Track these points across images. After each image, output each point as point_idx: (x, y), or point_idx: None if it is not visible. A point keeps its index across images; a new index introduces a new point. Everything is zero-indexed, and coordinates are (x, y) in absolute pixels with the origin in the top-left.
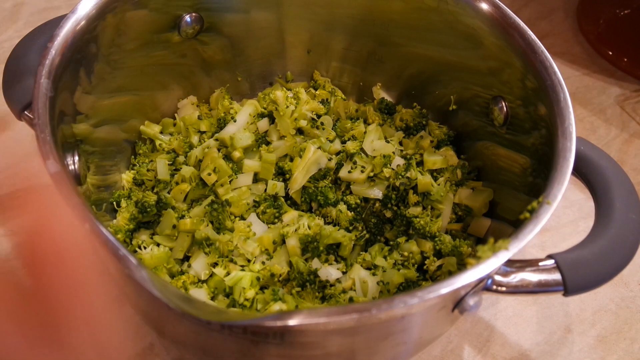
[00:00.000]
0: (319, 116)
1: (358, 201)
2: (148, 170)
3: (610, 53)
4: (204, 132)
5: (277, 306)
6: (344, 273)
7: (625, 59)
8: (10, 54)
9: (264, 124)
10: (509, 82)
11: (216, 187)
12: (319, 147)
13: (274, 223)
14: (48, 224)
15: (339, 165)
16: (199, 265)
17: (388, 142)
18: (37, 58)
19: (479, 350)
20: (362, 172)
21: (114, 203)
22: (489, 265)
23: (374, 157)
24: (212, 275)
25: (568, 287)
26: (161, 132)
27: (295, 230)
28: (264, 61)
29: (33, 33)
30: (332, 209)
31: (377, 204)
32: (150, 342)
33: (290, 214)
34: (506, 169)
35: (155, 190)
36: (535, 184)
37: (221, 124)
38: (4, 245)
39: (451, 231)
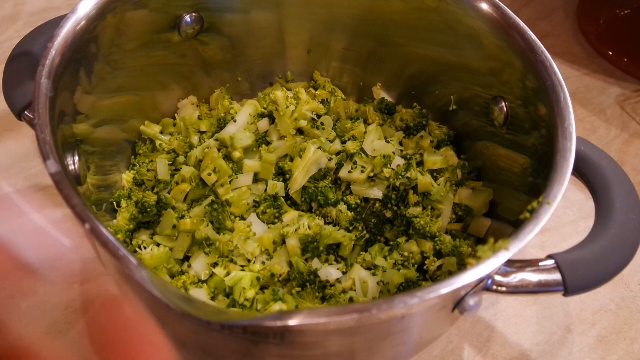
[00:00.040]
0: (319, 116)
1: (358, 201)
2: (148, 170)
3: (610, 53)
4: (204, 132)
5: (277, 306)
6: (344, 273)
7: (625, 59)
8: (10, 54)
9: (264, 124)
10: (509, 82)
11: (216, 187)
12: (319, 147)
13: (274, 223)
14: None
15: (339, 165)
16: (199, 265)
17: (388, 142)
18: (37, 58)
19: (479, 350)
20: (362, 172)
21: (114, 203)
22: (489, 265)
23: (374, 157)
24: (212, 275)
25: (568, 287)
26: (161, 132)
27: (295, 230)
28: (264, 61)
29: (33, 33)
30: (332, 209)
31: (377, 204)
32: None
33: (290, 214)
34: (506, 169)
35: (155, 190)
36: (535, 184)
37: (221, 124)
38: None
39: (451, 231)
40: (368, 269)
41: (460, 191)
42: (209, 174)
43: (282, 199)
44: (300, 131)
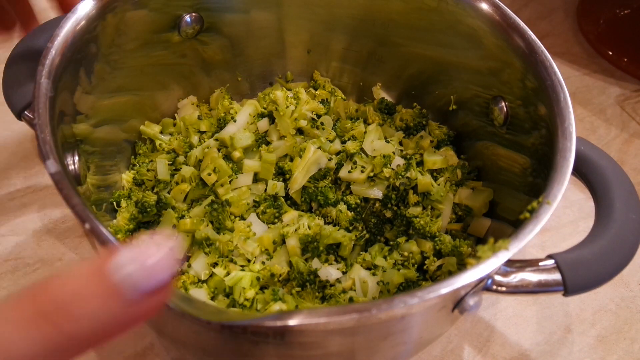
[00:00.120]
0: (319, 116)
1: (358, 201)
2: (148, 170)
3: (610, 53)
4: (204, 132)
5: (277, 306)
6: (344, 273)
7: (625, 59)
8: (10, 54)
9: (264, 124)
10: (509, 82)
11: (216, 187)
12: (319, 147)
13: (274, 223)
14: None
15: (339, 165)
16: (199, 265)
17: (388, 142)
18: (37, 58)
19: (479, 350)
20: (362, 172)
21: (114, 203)
22: (489, 265)
23: (374, 157)
24: (212, 275)
25: (568, 287)
26: (161, 132)
27: (295, 230)
28: (264, 61)
29: (33, 33)
30: (332, 209)
31: (377, 204)
32: (150, 342)
33: (290, 214)
34: (506, 169)
35: (155, 190)
36: (535, 184)
37: (221, 124)
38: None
39: (451, 231)
40: (368, 269)
41: (460, 191)
42: (209, 174)
43: (282, 199)
44: (300, 131)
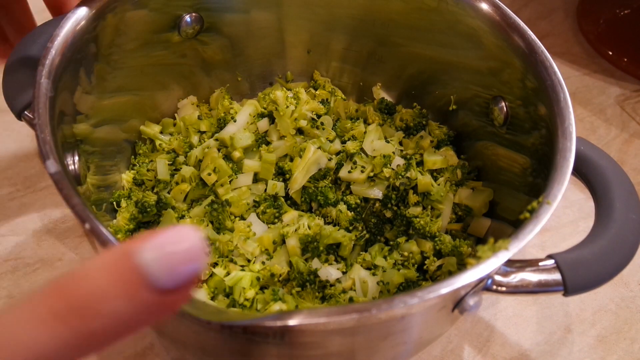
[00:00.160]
0: (319, 116)
1: (358, 201)
2: (148, 170)
3: (610, 53)
4: (204, 132)
5: (277, 306)
6: (344, 273)
7: (625, 59)
8: (10, 54)
9: (264, 124)
10: (509, 82)
11: (216, 187)
12: (319, 147)
13: (274, 223)
14: None
15: (339, 165)
16: None
17: (388, 142)
18: (37, 58)
19: (479, 350)
20: (362, 172)
21: (114, 203)
22: (489, 265)
23: (374, 157)
24: (212, 275)
25: (568, 287)
26: (161, 132)
27: (295, 230)
28: (264, 61)
29: (33, 33)
30: (332, 209)
31: (377, 204)
32: (150, 342)
33: (290, 214)
34: (506, 169)
35: (155, 190)
36: (535, 184)
37: (221, 124)
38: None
39: (451, 231)
40: (368, 269)
41: (460, 191)
42: (209, 174)
43: (282, 199)
44: (300, 131)
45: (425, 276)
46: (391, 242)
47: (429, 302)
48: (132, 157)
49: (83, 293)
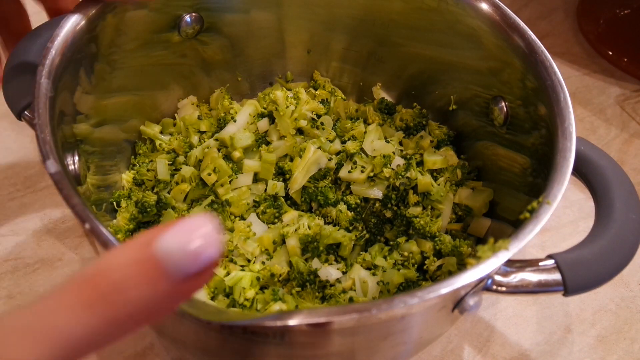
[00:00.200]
0: (319, 116)
1: (358, 201)
2: (148, 170)
3: (610, 53)
4: (204, 132)
5: (277, 306)
6: (344, 273)
7: (625, 59)
8: (10, 54)
9: (264, 124)
10: (509, 82)
11: (216, 187)
12: (319, 147)
13: (274, 223)
14: None
15: (339, 165)
16: None
17: (388, 142)
18: (37, 58)
19: (479, 350)
20: (362, 172)
21: (114, 203)
22: (489, 265)
23: (374, 157)
24: None
25: (568, 287)
26: (161, 132)
27: (295, 230)
28: (264, 61)
29: (33, 33)
30: (332, 209)
31: (377, 204)
32: (150, 342)
33: (290, 214)
34: (506, 169)
35: (155, 190)
36: (535, 184)
37: (221, 124)
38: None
39: (451, 231)
40: (368, 269)
41: (460, 191)
42: (209, 174)
43: (282, 199)
44: (300, 131)
45: (425, 276)
46: (391, 242)
47: (429, 302)
48: (132, 157)
49: (110, 283)
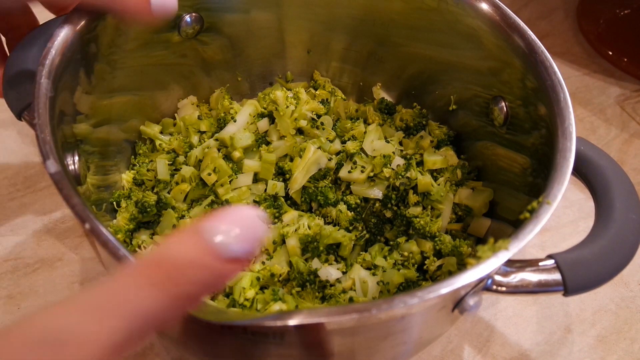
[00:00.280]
0: (319, 116)
1: (358, 201)
2: (148, 170)
3: (610, 53)
4: (204, 132)
5: (277, 306)
6: (344, 273)
7: (625, 59)
8: (10, 54)
9: (264, 124)
10: (509, 82)
11: (216, 187)
12: (319, 147)
13: (274, 223)
14: None
15: (339, 165)
16: None
17: (388, 142)
18: (37, 58)
19: (479, 350)
20: (362, 172)
21: (114, 203)
22: (489, 265)
23: (374, 157)
24: None
25: (568, 287)
26: (161, 132)
27: (295, 230)
28: (264, 61)
29: (33, 33)
30: (332, 209)
31: (377, 204)
32: (150, 342)
33: (290, 214)
34: (506, 169)
35: (155, 190)
36: (535, 184)
37: (221, 124)
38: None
39: (451, 231)
40: (368, 269)
41: (460, 191)
42: (209, 174)
43: (282, 199)
44: (300, 131)
45: (425, 276)
46: (391, 242)
47: (429, 302)
48: (132, 157)
49: (173, 265)
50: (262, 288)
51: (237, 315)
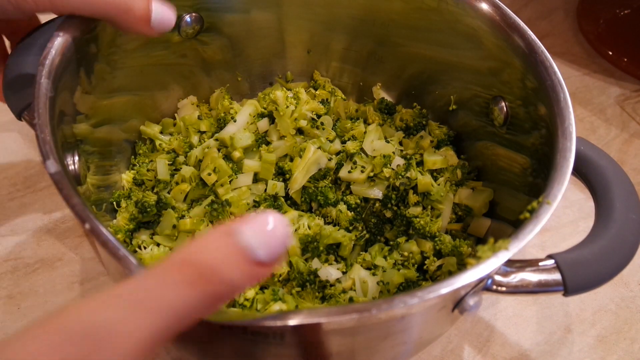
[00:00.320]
0: (319, 116)
1: (358, 201)
2: (148, 170)
3: (610, 53)
4: (204, 132)
5: (277, 306)
6: (344, 273)
7: (625, 59)
8: (10, 54)
9: (264, 124)
10: (509, 82)
11: (216, 187)
12: (319, 147)
13: None
14: None
15: (339, 165)
16: None
17: (388, 142)
18: (37, 58)
19: (479, 350)
20: (362, 172)
21: (114, 203)
22: (489, 265)
23: (374, 157)
24: None
25: (568, 287)
26: (161, 132)
27: (295, 230)
28: (264, 61)
29: (33, 33)
30: (332, 209)
31: (377, 204)
32: None
33: (290, 214)
34: (506, 169)
35: (155, 190)
36: (535, 184)
37: (221, 124)
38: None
39: (451, 231)
40: (368, 269)
41: (460, 191)
42: (209, 174)
43: (282, 199)
44: (300, 131)
45: (425, 276)
46: (391, 242)
47: (429, 302)
48: (132, 157)
49: (206, 264)
50: (262, 288)
51: (237, 315)
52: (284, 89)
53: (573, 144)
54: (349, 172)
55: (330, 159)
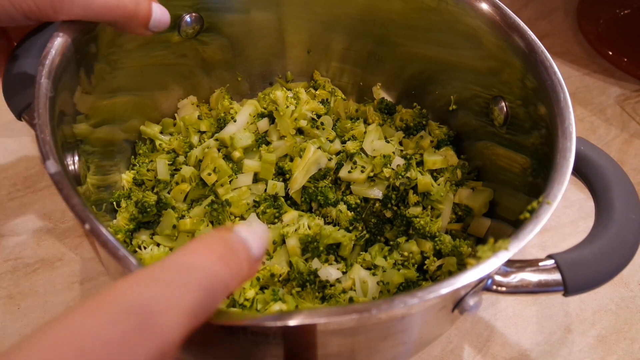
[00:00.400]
0: (319, 116)
1: (358, 201)
2: (148, 170)
3: (610, 53)
4: (204, 132)
5: (277, 306)
6: (344, 273)
7: (625, 59)
8: (10, 55)
9: (264, 124)
10: (509, 82)
11: (216, 187)
12: (319, 147)
13: (274, 223)
14: None
15: (339, 165)
16: None
17: (388, 142)
18: (37, 58)
19: (479, 350)
20: (362, 172)
21: (114, 203)
22: (489, 265)
23: (374, 157)
24: None
25: (568, 287)
26: (161, 132)
27: (295, 230)
28: (264, 61)
29: (33, 33)
30: (332, 209)
31: (377, 204)
32: None
33: (290, 214)
34: (506, 169)
35: (155, 190)
36: (535, 184)
37: (221, 124)
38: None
39: (451, 231)
40: (368, 269)
41: (460, 191)
42: (209, 174)
43: (282, 199)
44: (300, 131)
45: (425, 276)
46: (391, 242)
47: (429, 302)
48: (132, 157)
49: (230, 244)
50: (262, 288)
51: (237, 315)
52: (284, 89)
53: (573, 144)
54: (349, 172)
55: (330, 159)
